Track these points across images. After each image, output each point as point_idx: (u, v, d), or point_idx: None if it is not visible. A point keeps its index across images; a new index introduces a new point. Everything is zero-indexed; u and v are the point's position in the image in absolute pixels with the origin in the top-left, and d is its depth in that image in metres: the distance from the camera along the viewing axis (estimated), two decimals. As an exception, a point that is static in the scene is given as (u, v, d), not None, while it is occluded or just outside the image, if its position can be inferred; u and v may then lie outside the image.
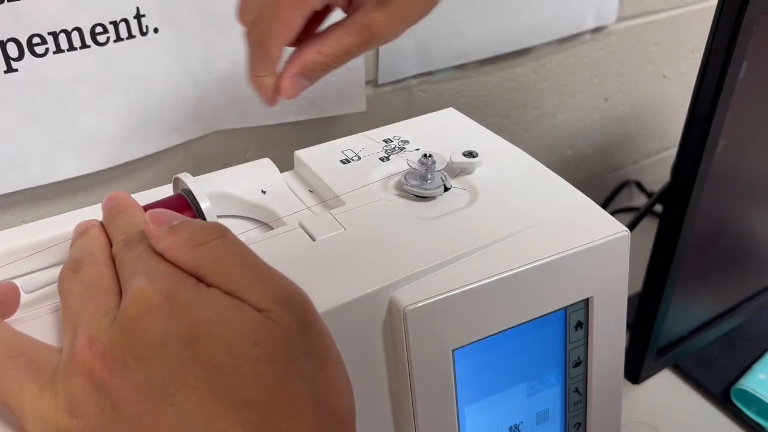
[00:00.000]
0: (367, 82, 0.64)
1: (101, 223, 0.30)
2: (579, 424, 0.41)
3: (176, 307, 0.23)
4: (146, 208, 0.32)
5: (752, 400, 0.66)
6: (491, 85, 0.74)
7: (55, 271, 0.28)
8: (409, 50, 0.65)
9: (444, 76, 0.69)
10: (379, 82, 0.65)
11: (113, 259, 0.28)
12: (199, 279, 0.25)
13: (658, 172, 1.00)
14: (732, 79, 0.47)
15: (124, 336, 0.23)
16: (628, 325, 0.58)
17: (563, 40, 0.76)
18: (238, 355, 0.23)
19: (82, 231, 0.30)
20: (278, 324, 0.24)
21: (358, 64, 0.61)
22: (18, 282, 0.30)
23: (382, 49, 0.63)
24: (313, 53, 0.37)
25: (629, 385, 0.64)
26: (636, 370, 0.62)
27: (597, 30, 0.78)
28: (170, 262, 0.26)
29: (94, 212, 0.34)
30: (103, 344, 0.23)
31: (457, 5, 0.66)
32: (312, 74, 0.37)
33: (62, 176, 0.52)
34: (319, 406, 0.23)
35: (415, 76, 0.68)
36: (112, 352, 0.23)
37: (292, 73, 0.37)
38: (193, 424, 0.22)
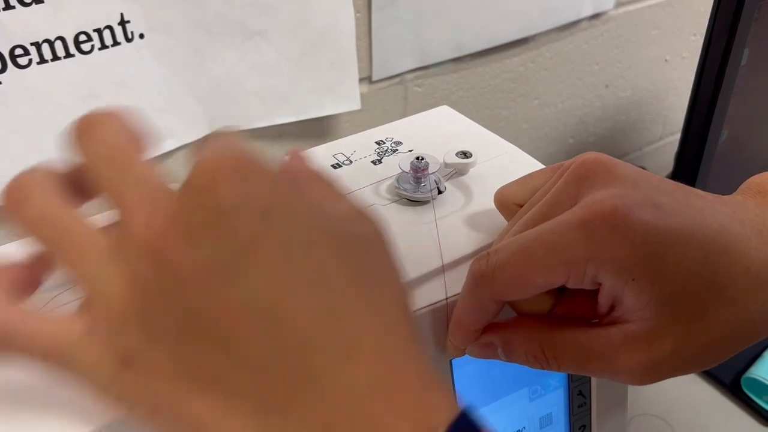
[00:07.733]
0: (361, 80, 0.63)
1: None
2: (584, 426, 0.40)
3: (251, 177, 0.22)
4: None
5: (763, 388, 0.65)
6: (489, 77, 0.73)
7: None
8: (404, 45, 0.64)
9: (440, 69, 0.68)
10: (374, 78, 0.64)
11: None
12: None
13: (663, 157, 0.98)
14: (734, 66, 0.46)
15: (194, 207, 0.22)
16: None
17: (561, 28, 0.75)
18: (320, 234, 0.23)
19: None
20: (358, 222, 0.25)
21: (351, 62, 0.60)
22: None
23: (376, 44, 0.62)
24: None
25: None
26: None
27: (595, 16, 0.77)
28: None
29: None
30: (167, 219, 0.22)
31: (450, -3, 0.64)
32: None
33: (54, 187, 0.51)
34: (398, 293, 0.25)
35: (411, 71, 0.67)
36: (178, 227, 0.22)
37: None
38: (262, 302, 0.21)
